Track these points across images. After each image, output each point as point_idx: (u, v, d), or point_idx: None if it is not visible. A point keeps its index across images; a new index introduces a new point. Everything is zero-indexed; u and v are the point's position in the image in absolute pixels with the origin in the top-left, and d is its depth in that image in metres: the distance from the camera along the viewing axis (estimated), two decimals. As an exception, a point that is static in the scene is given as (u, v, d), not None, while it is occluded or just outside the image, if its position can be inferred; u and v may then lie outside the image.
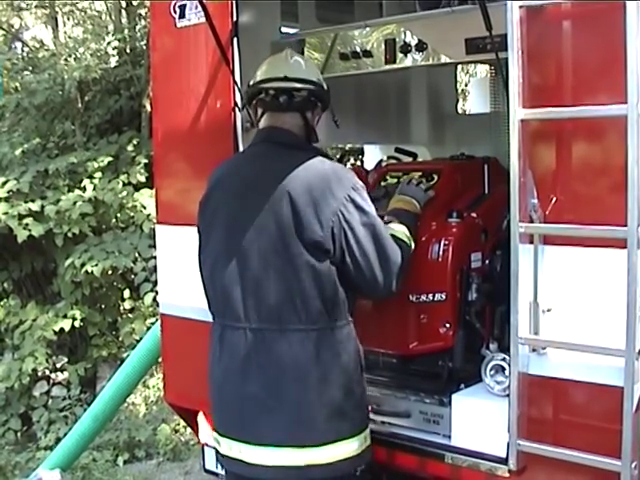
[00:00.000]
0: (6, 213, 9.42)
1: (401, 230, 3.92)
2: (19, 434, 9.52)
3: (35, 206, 9.54)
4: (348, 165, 6.17)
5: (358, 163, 6.50)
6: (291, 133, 3.91)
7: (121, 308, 10.20)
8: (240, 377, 3.75)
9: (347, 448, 3.72)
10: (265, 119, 3.98)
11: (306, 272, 3.61)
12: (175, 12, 4.93)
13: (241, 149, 4.57)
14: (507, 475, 3.65)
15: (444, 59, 4.81)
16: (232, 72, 4.60)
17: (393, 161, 5.20)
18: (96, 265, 9.24)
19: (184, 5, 4.88)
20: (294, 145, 3.90)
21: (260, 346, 3.70)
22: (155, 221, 5.62)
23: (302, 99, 3.92)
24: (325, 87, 4.00)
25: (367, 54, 4.94)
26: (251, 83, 4.01)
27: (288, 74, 3.91)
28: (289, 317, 3.65)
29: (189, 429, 6.17)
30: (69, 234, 9.55)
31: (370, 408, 4.10)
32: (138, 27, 11.90)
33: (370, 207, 3.74)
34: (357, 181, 3.77)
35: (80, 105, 11.07)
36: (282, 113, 3.93)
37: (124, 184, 9.92)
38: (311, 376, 3.65)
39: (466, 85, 10.98)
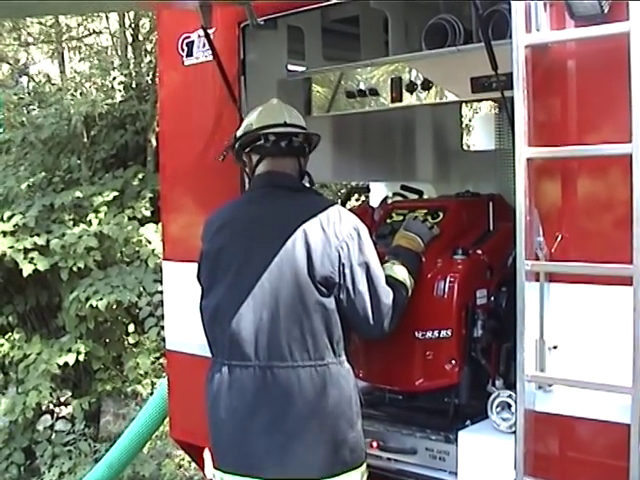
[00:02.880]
0: (12, 247, 9.47)
1: (399, 272, 3.98)
2: (22, 468, 9.50)
3: (41, 240, 9.57)
4: (354, 202, 6.16)
5: (363, 199, 6.49)
6: (292, 176, 4.02)
7: (125, 342, 10.18)
8: (248, 414, 3.77)
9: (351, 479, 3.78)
10: (264, 165, 4.05)
11: (315, 309, 3.69)
12: (183, 50, 4.98)
13: (247, 186, 4.58)
14: (513, 512, 3.63)
15: (450, 97, 4.83)
16: (239, 109, 4.63)
17: (399, 198, 5.22)
18: (101, 299, 9.24)
19: (191, 43, 4.93)
20: (295, 188, 4.01)
21: (270, 382, 3.73)
22: (161, 256, 5.63)
23: (299, 144, 4.05)
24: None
25: (373, 92, 4.97)
26: (245, 131, 4.08)
27: (287, 120, 4.02)
28: (299, 353, 3.70)
29: (193, 464, 6.16)
30: (74, 268, 9.56)
31: (376, 444, 4.11)
32: (144, 62, 11.97)
33: (369, 248, 3.81)
34: (358, 221, 3.86)
35: (86, 140, 11.12)
36: (282, 158, 4.03)
37: (129, 218, 9.96)
38: (319, 410, 3.70)
39: (470, 120, 11.00)
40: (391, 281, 3.89)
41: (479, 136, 7.48)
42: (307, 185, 4.11)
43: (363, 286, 3.73)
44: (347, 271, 3.71)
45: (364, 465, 3.87)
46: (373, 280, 3.76)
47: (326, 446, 3.70)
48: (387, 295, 3.80)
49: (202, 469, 5.22)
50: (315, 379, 3.71)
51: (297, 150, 4.04)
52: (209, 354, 4.06)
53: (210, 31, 4.63)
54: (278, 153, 4.02)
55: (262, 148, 4.03)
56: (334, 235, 3.72)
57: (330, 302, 3.71)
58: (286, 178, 4.00)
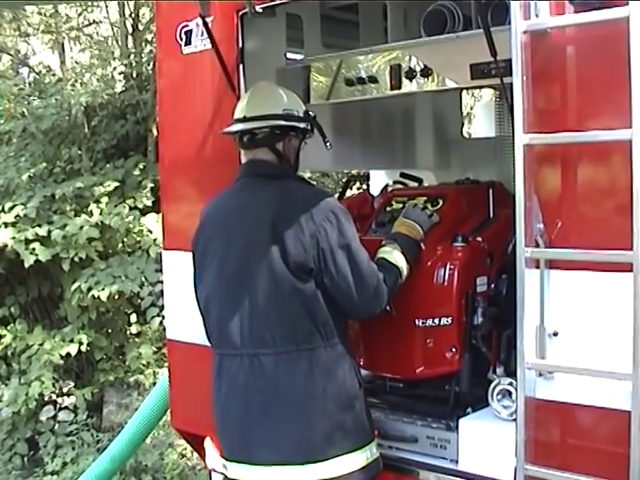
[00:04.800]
0: (13, 238, 9.45)
1: (392, 255, 3.98)
2: (26, 459, 9.51)
3: (42, 231, 9.56)
4: (355, 190, 6.15)
5: (364, 187, 6.48)
6: (269, 164, 4.04)
7: (128, 332, 10.17)
8: (241, 403, 3.86)
9: (350, 462, 3.79)
10: (244, 154, 4.17)
11: (293, 295, 3.76)
12: (181, 39, 4.96)
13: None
14: (515, 500, 3.63)
15: (449, 84, 4.82)
16: (238, 98, 4.61)
17: (399, 186, 5.21)
18: (103, 289, 9.25)
19: (190, 31, 4.91)
20: (273, 175, 4.02)
21: (257, 371, 3.81)
22: (161, 246, 5.63)
23: (265, 135, 4.04)
24: (297, 113, 4.09)
25: (372, 79, 4.95)
26: None
27: (247, 114, 4.05)
28: (281, 340, 3.77)
29: (196, 454, 6.16)
30: (76, 259, 9.56)
31: (377, 432, 4.11)
32: (144, 52, 11.93)
33: (348, 230, 3.82)
34: (335, 204, 3.87)
35: (87, 130, 11.09)
36: (254, 149, 4.07)
37: (130, 208, 9.96)
38: (307, 395, 3.75)
39: (472, 108, 11.00)
40: (382, 262, 3.93)
41: (480, 123, 7.47)
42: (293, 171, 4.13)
43: (345, 268, 3.76)
44: (328, 255, 3.74)
45: (366, 447, 3.87)
46: (355, 262, 3.78)
47: (317, 430, 3.75)
48: (372, 275, 3.81)
49: (203, 458, 5.23)
50: (300, 364, 3.76)
51: (265, 141, 4.05)
52: (209, 343, 4.08)
53: (208, 19, 4.62)
54: (245, 147, 4.12)
55: (236, 141, 4.14)
56: (310, 220, 3.74)
57: (310, 287, 3.75)
58: (264, 166, 4.04)
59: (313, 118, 4.16)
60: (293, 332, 3.76)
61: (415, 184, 5.24)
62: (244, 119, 4.04)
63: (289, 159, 4.08)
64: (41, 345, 9.64)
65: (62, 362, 9.56)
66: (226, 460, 3.99)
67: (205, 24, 4.57)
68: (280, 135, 4.04)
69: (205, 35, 4.65)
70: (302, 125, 4.09)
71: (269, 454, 3.79)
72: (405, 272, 3.99)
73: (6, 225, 9.60)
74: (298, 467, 3.74)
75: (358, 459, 3.82)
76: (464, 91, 8.30)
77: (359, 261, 3.80)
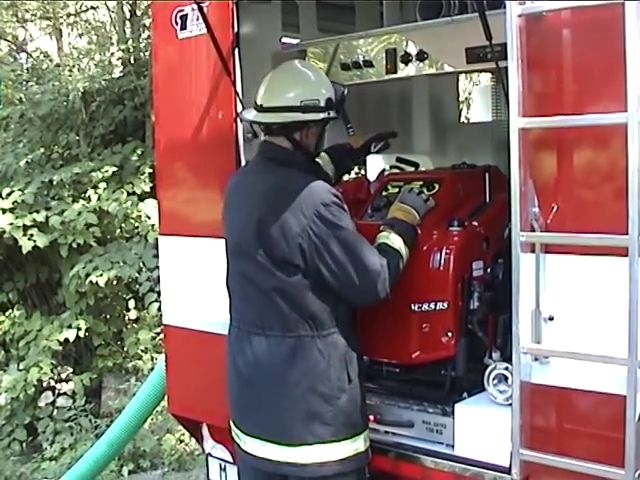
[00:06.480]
0: (11, 224, 9.48)
1: (393, 240, 3.95)
2: (24, 445, 9.51)
3: (40, 217, 9.58)
4: (353, 175, 6.12)
5: (361, 172, 6.46)
6: (281, 149, 3.99)
7: (126, 318, 10.18)
8: (235, 373, 4.01)
9: (325, 453, 3.82)
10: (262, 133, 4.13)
11: (276, 287, 3.81)
12: (176, 23, 4.94)
13: (242, 159, 4.59)
14: (510, 484, 3.64)
15: (445, 68, 4.80)
16: (233, 83, 4.60)
17: (395, 171, 5.19)
18: (101, 275, 9.26)
19: (185, 16, 4.89)
20: (281, 161, 3.97)
21: (247, 347, 3.91)
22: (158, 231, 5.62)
23: (280, 126, 3.96)
24: (318, 103, 3.94)
25: (368, 64, 4.94)
26: None
27: (263, 102, 3.98)
28: (270, 323, 3.86)
29: (194, 439, 6.17)
30: (74, 244, 9.59)
31: (373, 418, 4.11)
32: (142, 38, 11.92)
33: (341, 220, 3.79)
34: (328, 197, 3.80)
35: (84, 116, 11.08)
36: (268, 135, 4.04)
37: (128, 194, 9.96)
38: (285, 379, 3.82)
39: (470, 94, 10.97)
40: (384, 248, 3.90)
41: (476, 108, 7.45)
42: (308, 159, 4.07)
43: (343, 258, 3.74)
44: (321, 247, 3.73)
45: (347, 441, 3.87)
46: (353, 250, 3.77)
47: (294, 416, 3.83)
48: (374, 261, 3.78)
49: (200, 444, 5.24)
50: (282, 348, 3.82)
51: (280, 132, 3.97)
52: (206, 328, 4.11)
53: (204, 4, 4.59)
54: (263, 131, 4.10)
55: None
56: (300, 214, 3.73)
57: (295, 281, 3.78)
58: (275, 150, 3.99)
59: (340, 102, 4.03)
60: (280, 319, 3.82)
61: (412, 169, 5.22)
62: (260, 108, 3.97)
63: (307, 147, 4.00)
64: (39, 331, 9.70)
65: (60, 348, 9.59)
66: (232, 425, 4.12)
67: (200, 9, 4.54)
68: (297, 126, 3.94)
69: (200, 20, 4.62)
70: (321, 116, 3.95)
71: (252, 427, 3.96)
72: (406, 256, 3.96)
73: (4, 211, 9.63)
74: (274, 446, 3.85)
75: (334, 451, 3.83)
76: (462, 76, 8.30)
77: (357, 249, 3.77)
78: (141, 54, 11.64)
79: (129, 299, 10.06)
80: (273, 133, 3.99)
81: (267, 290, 3.83)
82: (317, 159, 4.24)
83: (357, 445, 3.90)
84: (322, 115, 3.95)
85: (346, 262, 3.74)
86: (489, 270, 4.24)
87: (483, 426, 3.88)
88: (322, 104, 3.95)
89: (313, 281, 3.77)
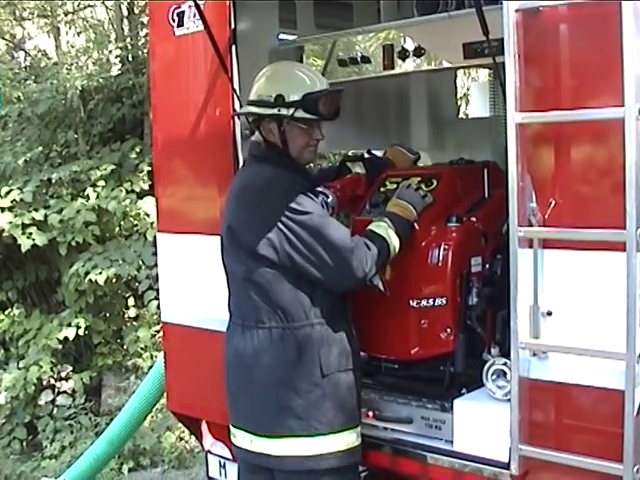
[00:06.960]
0: (10, 223, 9.45)
1: (376, 225, 3.97)
2: (24, 443, 9.50)
3: (39, 215, 9.56)
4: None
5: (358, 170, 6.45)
6: (257, 145, 4.11)
7: (125, 316, 10.18)
8: (225, 365, 4.13)
9: (297, 446, 3.86)
10: None
11: (247, 278, 3.93)
12: (173, 20, 4.94)
13: (240, 156, 4.59)
14: (509, 480, 3.64)
15: (442, 64, 4.80)
16: (231, 80, 4.60)
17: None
18: (100, 273, 9.23)
19: (182, 13, 4.88)
20: (257, 157, 4.11)
21: (232, 338, 4.06)
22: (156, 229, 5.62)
23: (251, 121, 4.14)
24: (269, 99, 3.95)
25: (365, 60, 4.94)
26: None
27: (250, 97, 4.12)
28: (247, 315, 3.97)
29: (194, 436, 6.17)
30: (73, 243, 9.56)
31: (372, 414, 4.11)
32: (140, 35, 11.90)
33: (306, 206, 3.83)
34: (291, 186, 3.89)
35: (83, 114, 11.05)
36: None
37: (127, 192, 9.92)
38: (257, 371, 3.90)
39: (468, 89, 10.96)
40: (367, 234, 3.92)
41: (474, 103, 7.45)
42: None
43: (315, 244, 3.79)
44: (291, 236, 3.79)
45: (322, 437, 3.87)
46: (320, 232, 3.80)
47: (267, 407, 3.91)
48: (344, 240, 3.82)
49: (200, 441, 5.24)
50: (255, 340, 3.93)
51: (252, 125, 4.14)
52: (204, 326, 4.11)
53: (201, 1, 4.59)
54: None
55: None
56: (266, 205, 3.86)
57: (265, 273, 3.86)
58: (253, 147, 4.17)
59: (308, 104, 3.92)
60: (254, 310, 3.92)
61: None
62: (248, 102, 4.13)
63: (274, 143, 4.03)
64: (39, 329, 9.68)
65: (60, 346, 9.56)
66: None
67: (197, 6, 4.54)
68: (257, 121, 4.06)
69: (197, 17, 4.62)
70: (270, 112, 3.95)
71: (237, 418, 4.08)
72: (394, 244, 3.94)
73: (3, 210, 9.59)
74: (250, 435, 3.97)
75: (307, 445, 3.85)
76: (460, 72, 8.29)
77: (324, 230, 3.80)
78: (139, 52, 11.61)
79: (128, 297, 10.05)
80: (252, 128, 4.16)
81: (241, 281, 3.96)
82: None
83: (336, 443, 3.89)
84: (270, 111, 3.96)
85: (315, 244, 3.78)
86: (488, 266, 4.23)
87: (482, 422, 3.87)
88: (272, 100, 3.96)
89: (285, 271, 3.83)
